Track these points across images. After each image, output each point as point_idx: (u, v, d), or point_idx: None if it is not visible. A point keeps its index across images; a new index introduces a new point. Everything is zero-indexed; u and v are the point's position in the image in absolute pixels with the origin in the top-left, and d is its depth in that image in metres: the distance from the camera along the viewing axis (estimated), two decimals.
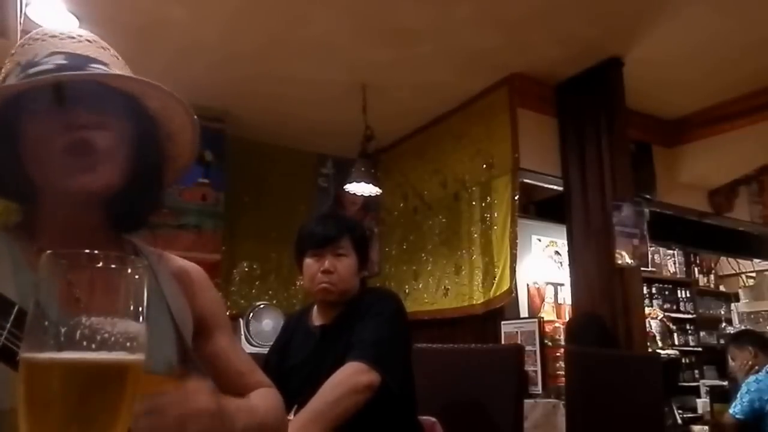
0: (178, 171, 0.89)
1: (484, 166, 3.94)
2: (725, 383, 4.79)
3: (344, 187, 4.18)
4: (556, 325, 4.60)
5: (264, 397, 0.88)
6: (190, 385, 0.66)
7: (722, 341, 5.79)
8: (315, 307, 1.82)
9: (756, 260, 6.45)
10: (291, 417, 1.57)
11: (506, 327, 3.79)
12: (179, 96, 0.78)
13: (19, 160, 0.74)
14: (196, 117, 0.81)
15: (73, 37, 0.77)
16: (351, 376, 1.46)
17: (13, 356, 0.48)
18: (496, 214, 3.81)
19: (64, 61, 0.73)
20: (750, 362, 3.40)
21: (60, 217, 0.78)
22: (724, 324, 6.46)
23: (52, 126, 0.72)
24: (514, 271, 3.62)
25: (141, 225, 0.86)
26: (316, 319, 1.79)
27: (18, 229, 0.79)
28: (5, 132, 0.74)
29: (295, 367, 1.72)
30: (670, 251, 6.36)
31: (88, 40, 0.78)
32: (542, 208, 4.66)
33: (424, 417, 1.79)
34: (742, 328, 5.81)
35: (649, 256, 4.42)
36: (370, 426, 1.48)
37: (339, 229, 1.74)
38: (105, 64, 0.76)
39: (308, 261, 1.74)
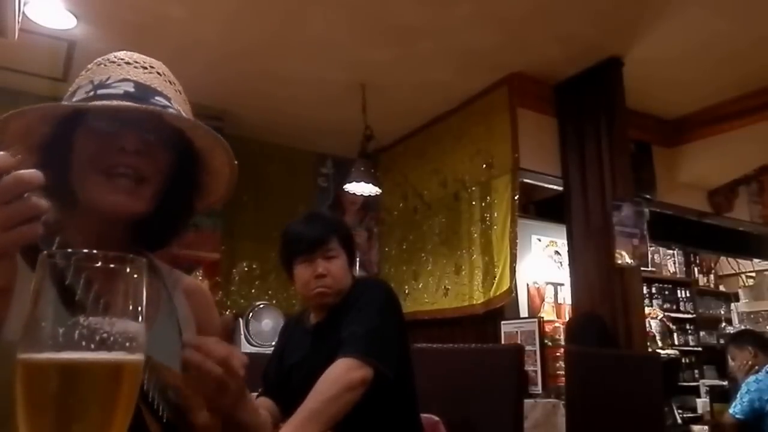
0: (210, 204, 0.95)
1: (484, 166, 3.94)
2: (725, 383, 4.79)
3: (344, 186, 4.18)
4: (556, 325, 4.59)
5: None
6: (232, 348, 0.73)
7: (722, 341, 5.79)
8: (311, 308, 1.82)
9: (756, 260, 6.45)
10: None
11: (506, 327, 3.79)
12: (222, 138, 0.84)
13: (67, 169, 0.80)
14: (235, 161, 0.87)
15: (146, 68, 0.84)
16: (344, 373, 1.44)
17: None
18: (496, 214, 3.80)
19: (132, 89, 0.79)
20: (750, 362, 3.40)
21: (88, 227, 0.81)
22: (724, 324, 6.46)
23: (104, 146, 0.78)
24: (514, 271, 3.62)
25: (165, 245, 0.92)
26: (312, 318, 1.78)
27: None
28: (61, 141, 0.80)
29: (294, 367, 1.71)
30: (670, 251, 6.36)
31: (159, 73, 0.85)
32: (542, 208, 4.65)
33: (427, 415, 1.78)
34: (742, 328, 5.80)
35: (649, 256, 4.42)
36: (370, 421, 1.47)
37: (326, 230, 1.70)
38: (167, 98, 0.82)
39: (299, 268, 1.69)
